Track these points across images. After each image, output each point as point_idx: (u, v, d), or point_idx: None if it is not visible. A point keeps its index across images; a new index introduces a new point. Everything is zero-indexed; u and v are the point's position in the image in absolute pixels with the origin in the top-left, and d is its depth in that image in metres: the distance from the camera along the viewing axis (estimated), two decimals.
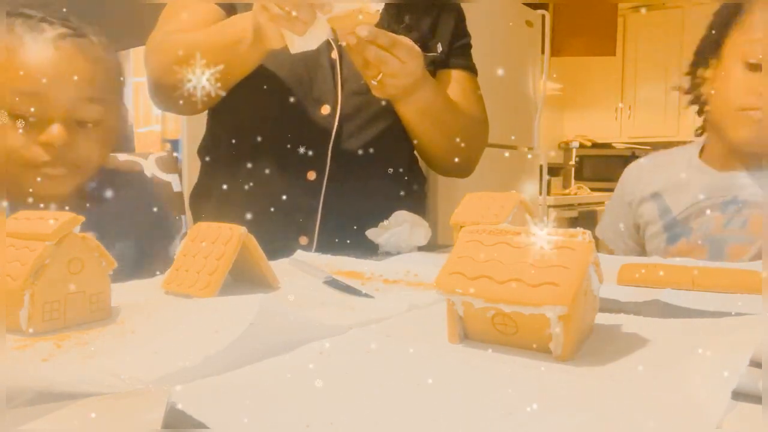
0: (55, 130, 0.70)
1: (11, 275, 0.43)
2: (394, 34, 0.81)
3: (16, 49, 0.70)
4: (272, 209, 0.93)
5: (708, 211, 0.93)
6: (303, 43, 0.78)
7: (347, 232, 0.93)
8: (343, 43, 0.95)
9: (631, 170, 1.08)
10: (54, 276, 0.44)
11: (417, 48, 0.84)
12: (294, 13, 0.74)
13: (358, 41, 0.79)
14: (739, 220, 0.90)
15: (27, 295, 0.43)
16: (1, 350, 0.37)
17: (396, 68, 0.82)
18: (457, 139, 1.00)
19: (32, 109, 0.69)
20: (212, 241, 0.57)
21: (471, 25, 1.10)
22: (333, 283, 0.61)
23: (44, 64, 0.70)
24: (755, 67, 0.88)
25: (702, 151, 1.00)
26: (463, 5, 1.11)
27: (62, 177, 0.73)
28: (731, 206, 0.91)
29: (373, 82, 0.84)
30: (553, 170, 3.40)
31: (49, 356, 0.38)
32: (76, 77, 0.71)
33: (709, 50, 0.95)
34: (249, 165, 0.98)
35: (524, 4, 2.56)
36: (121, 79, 0.83)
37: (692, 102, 1.00)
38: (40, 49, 0.70)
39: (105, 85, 0.76)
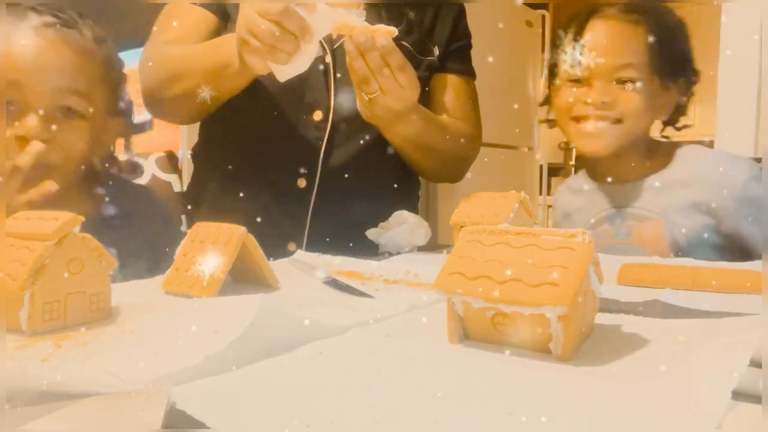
0: (32, 122, 0.66)
1: (11, 275, 0.43)
2: (405, 59, 0.79)
3: (2, 37, 0.66)
4: (261, 217, 0.90)
5: (602, 224, 0.97)
6: (290, 70, 0.76)
7: (336, 239, 0.90)
8: (338, 43, 0.94)
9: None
10: (54, 276, 0.44)
11: (417, 81, 0.82)
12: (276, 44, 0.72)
13: (368, 46, 0.76)
14: (624, 231, 0.94)
15: (27, 295, 0.43)
16: (1, 350, 0.37)
17: (392, 88, 0.79)
18: (446, 158, 0.98)
19: (11, 99, 0.66)
20: (212, 241, 0.57)
21: (471, 25, 1.08)
22: (333, 283, 0.61)
23: (24, 51, 0.67)
24: (577, 82, 0.92)
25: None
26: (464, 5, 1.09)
27: (38, 178, 0.67)
28: (617, 218, 0.95)
29: (365, 96, 0.81)
30: (553, 170, 3.39)
31: (49, 356, 0.38)
32: (58, 67, 0.68)
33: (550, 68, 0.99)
34: (239, 172, 0.96)
35: (524, 4, 2.56)
36: (119, 74, 0.79)
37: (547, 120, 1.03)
38: (20, 36, 0.67)
39: (93, 78, 0.73)
